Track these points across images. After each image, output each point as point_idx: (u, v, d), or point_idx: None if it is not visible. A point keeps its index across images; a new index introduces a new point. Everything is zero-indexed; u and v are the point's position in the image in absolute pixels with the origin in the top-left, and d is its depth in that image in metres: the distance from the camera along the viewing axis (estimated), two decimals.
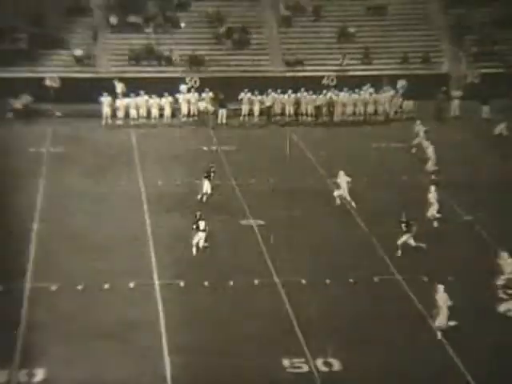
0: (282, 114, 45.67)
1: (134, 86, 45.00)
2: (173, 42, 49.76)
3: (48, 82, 46.27)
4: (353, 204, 32.00)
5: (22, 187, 33.37)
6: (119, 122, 43.94)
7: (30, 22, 49.85)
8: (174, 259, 27.49)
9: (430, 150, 36.91)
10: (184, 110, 45.08)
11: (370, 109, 46.07)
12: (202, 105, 45.07)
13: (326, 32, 51.22)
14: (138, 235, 29.38)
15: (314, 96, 45.69)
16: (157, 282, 25.86)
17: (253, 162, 37.70)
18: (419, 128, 39.80)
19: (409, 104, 46.13)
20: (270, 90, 45.46)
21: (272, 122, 44.95)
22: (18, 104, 43.91)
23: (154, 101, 44.55)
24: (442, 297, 23.00)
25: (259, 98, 45.30)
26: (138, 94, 44.50)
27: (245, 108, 45.40)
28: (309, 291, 25.64)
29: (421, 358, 21.94)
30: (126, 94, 44.84)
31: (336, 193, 32.50)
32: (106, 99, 43.98)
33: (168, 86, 45.30)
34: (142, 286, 25.56)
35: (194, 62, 48.60)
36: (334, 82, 47.54)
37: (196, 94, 45.60)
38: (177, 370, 21.15)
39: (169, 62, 48.85)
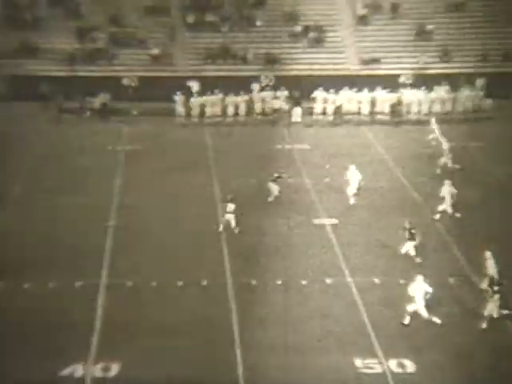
0: (358, 112, 45.36)
1: (210, 85, 45.28)
2: (248, 41, 49.90)
3: (125, 81, 46.94)
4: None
5: (100, 185, 33.90)
6: (194, 121, 44.21)
7: (109, 22, 50.75)
8: (247, 257, 27.52)
9: (445, 146, 36.42)
10: (258, 108, 45.14)
11: (448, 107, 45.39)
12: (277, 103, 45.06)
13: (403, 30, 50.61)
14: (211, 233, 29.47)
15: (390, 94, 45.28)
16: (230, 281, 25.92)
17: (326, 161, 37.40)
18: (434, 126, 39.23)
19: (488, 102, 45.25)
20: (343, 89, 45.24)
21: (345, 120, 44.62)
22: (95, 102, 44.66)
23: (230, 99, 44.72)
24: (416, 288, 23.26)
25: (333, 96, 45.05)
26: (213, 93, 44.74)
27: (318, 106, 45.21)
28: (382, 291, 25.37)
29: (494, 360, 21.50)
30: (201, 93, 45.13)
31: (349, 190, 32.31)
32: (180, 97, 44.36)
33: (243, 85, 45.48)
34: (216, 284, 25.65)
35: (270, 60, 48.63)
36: (411, 81, 46.92)
37: (271, 93, 45.62)
38: (249, 368, 21.18)
39: (244, 60, 48.99)
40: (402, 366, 21.34)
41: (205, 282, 25.69)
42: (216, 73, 47.97)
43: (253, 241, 28.57)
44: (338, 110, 44.97)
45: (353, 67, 48.79)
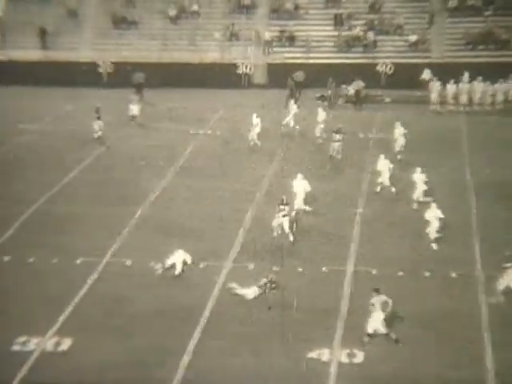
0: None
1: (470, 72, 43.85)
2: None
3: (380, 68, 46.89)
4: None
5: (349, 172, 34.15)
6: (449, 109, 43.10)
7: (369, 9, 50.85)
8: (499, 250, 26.27)
9: None
10: None
11: None
12: None
13: None
14: (462, 223, 28.63)
15: None
16: (479, 274, 25.05)
17: None
18: None
19: None
20: None
21: None
22: (350, 90, 44.93)
23: (487, 87, 43.09)
24: None
25: None
26: (471, 80, 43.33)
27: None
28: None
29: None
30: (456, 80, 43.85)
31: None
32: (435, 84, 43.47)
33: (505, 71, 43.56)
34: (463, 276, 24.93)
35: None
36: None
37: None
38: (500, 366, 20.34)
39: (508, 45, 46.90)
40: None
41: (453, 274, 25.02)
42: (475, 59, 46.40)
43: (507, 233, 27.30)
44: None
45: None
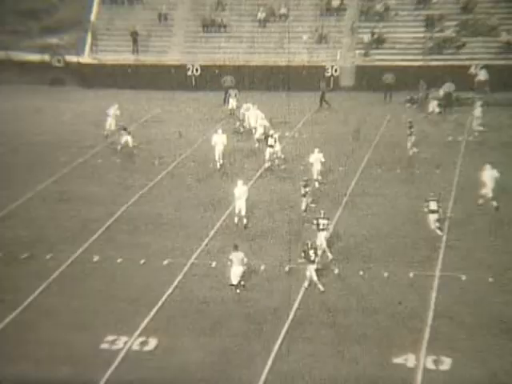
0: None
1: None
2: None
3: (473, 70, 45.93)
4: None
5: (438, 175, 33.48)
6: None
7: (460, 9, 49.88)
8: None
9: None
10: None
11: None
12: None
13: None
14: None
15: None
16: None
17: None
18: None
19: None
20: None
21: None
22: (440, 92, 44.09)
23: None
24: None
25: None
26: None
27: None
28: None
29: None
30: None
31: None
32: None
33: None
34: None
35: None
36: None
37: None
38: None
39: None
40: None
41: None
42: None
43: None
44: None
45: None
